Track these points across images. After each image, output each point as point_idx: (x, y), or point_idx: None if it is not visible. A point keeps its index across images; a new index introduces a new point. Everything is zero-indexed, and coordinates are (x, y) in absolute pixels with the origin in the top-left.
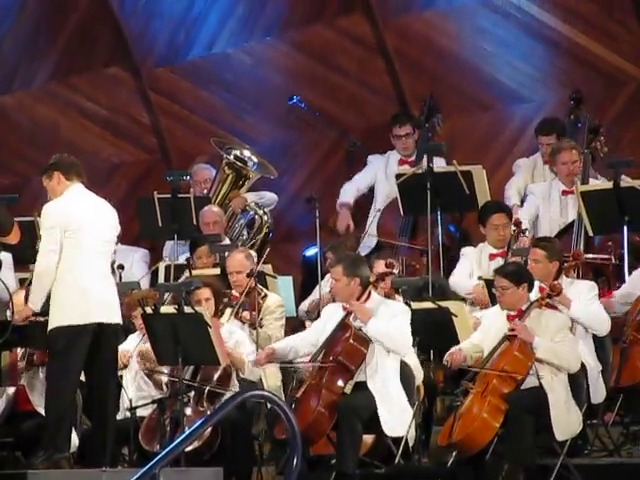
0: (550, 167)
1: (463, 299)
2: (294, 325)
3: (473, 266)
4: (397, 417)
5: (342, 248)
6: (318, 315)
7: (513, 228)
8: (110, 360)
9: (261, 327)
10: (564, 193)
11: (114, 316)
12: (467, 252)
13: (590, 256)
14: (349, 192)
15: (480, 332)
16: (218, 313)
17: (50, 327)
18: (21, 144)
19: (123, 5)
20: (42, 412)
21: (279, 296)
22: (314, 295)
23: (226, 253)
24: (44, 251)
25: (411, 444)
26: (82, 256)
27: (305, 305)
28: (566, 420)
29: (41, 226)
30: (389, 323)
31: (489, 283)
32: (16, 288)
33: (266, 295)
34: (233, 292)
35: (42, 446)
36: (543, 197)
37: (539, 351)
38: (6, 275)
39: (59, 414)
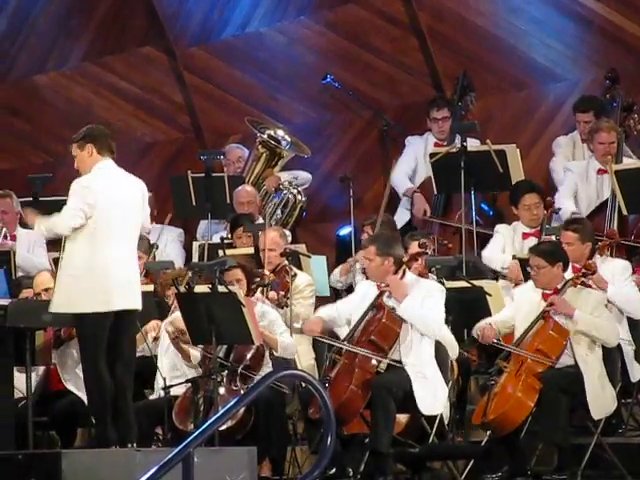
0: (587, 145)
1: (496, 277)
2: (327, 303)
3: (506, 243)
4: (432, 395)
5: (382, 225)
6: (350, 289)
7: (544, 211)
8: (129, 346)
9: (287, 306)
10: (600, 172)
11: (134, 302)
12: (501, 229)
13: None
14: (402, 178)
15: (511, 308)
16: (250, 292)
17: (76, 311)
18: (55, 124)
19: None
20: (72, 389)
21: (310, 276)
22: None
23: (260, 232)
24: (69, 210)
25: (446, 423)
26: (107, 239)
27: (337, 273)
28: (601, 398)
29: (70, 192)
30: (423, 304)
31: (523, 262)
32: (49, 267)
33: (295, 274)
34: (264, 271)
35: (95, 438)
36: (580, 175)
37: (579, 323)
38: (38, 253)
39: (102, 402)
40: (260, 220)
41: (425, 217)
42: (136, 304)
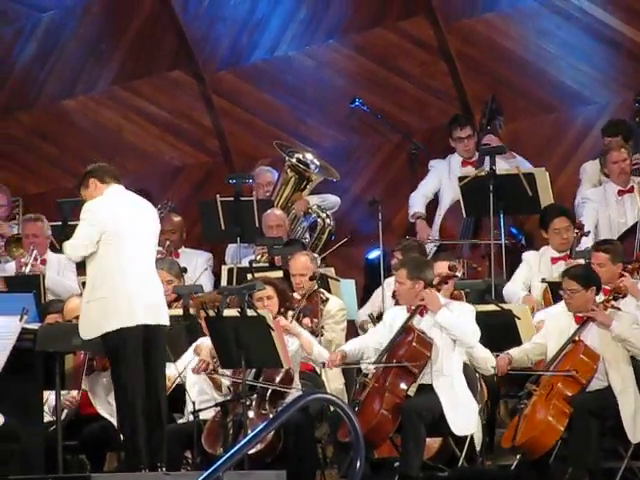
0: (601, 170)
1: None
2: (357, 328)
3: (532, 272)
4: (464, 416)
5: (411, 249)
6: (379, 317)
7: (576, 231)
8: (160, 362)
9: (322, 335)
10: (620, 193)
11: (160, 318)
12: (528, 257)
13: None
14: (418, 201)
15: (541, 334)
16: (280, 314)
17: (102, 332)
18: (84, 148)
19: (186, 9)
20: (103, 413)
21: (340, 300)
22: (373, 302)
23: (289, 256)
24: (79, 239)
25: (477, 447)
26: (123, 258)
27: (362, 315)
28: (637, 421)
29: (80, 219)
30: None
31: (553, 285)
32: (79, 291)
33: (327, 299)
34: (295, 295)
35: (126, 460)
36: (599, 201)
37: (617, 331)
38: (68, 277)
39: (134, 424)
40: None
41: (428, 241)
42: (162, 320)
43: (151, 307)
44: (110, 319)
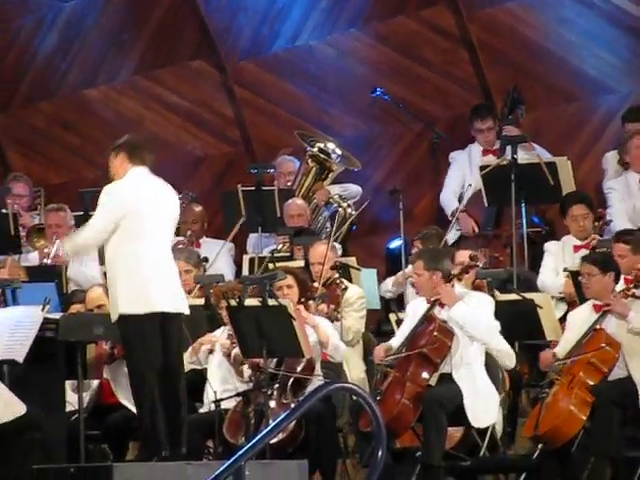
0: (619, 161)
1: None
2: (378, 317)
3: (557, 260)
4: (483, 408)
5: (430, 239)
6: (400, 298)
7: (595, 222)
8: (177, 350)
9: (338, 320)
10: None
11: (178, 305)
12: (550, 248)
13: None
14: (451, 198)
15: (567, 331)
16: (301, 303)
17: (117, 314)
18: (106, 138)
19: None
20: (125, 402)
21: (361, 288)
22: (397, 277)
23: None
24: (94, 228)
25: (498, 436)
26: (141, 244)
27: (387, 283)
28: None
29: (99, 203)
30: (473, 311)
31: (575, 275)
32: (101, 281)
33: (346, 287)
34: (314, 284)
35: (145, 446)
36: (621, 192)
37: (634, 323)
38: (90, 266)
39: (151, 408)
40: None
41: (474, 234)
42: (180, 308)
43: (169, 294)
44: (126, 301)
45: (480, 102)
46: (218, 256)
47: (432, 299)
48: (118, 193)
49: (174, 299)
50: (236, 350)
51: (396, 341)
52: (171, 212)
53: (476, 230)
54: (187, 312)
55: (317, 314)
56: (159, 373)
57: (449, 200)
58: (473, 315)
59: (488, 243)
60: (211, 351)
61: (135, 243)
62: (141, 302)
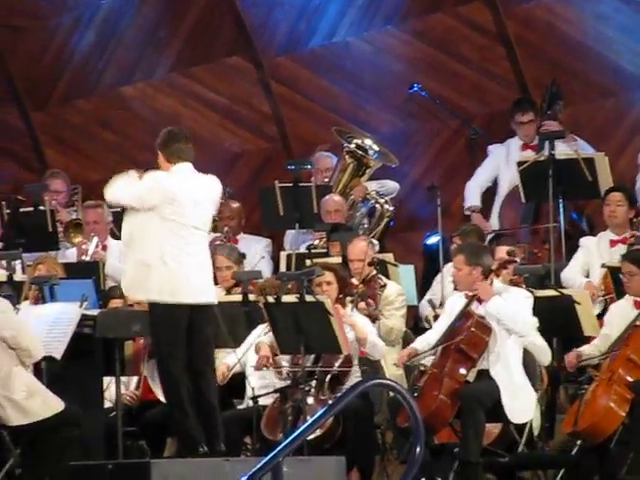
0: None
1: None
2: (415, 314)
3: (592, 257)
4: (521, 403)
5: (470, 234)
6: (441, 305)
7: (633, 219)
8: (206, 343)
9: (378, 319)
10: None
11: (207, 297)
12: (585, 243)
13: None
14: (473, 193)
15: (605, 327)
16: (340, 300)
17: (148, 297)
18: (143, 135)
19: None
20: (164, 401)
21: (399, 285)
22: (433, 289)
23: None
24: (130, 190)
25: (536, 432)
26: (179, 233)
27: (424, 307)
28: None
29: (142, 180)
30: (510, 305)
31: (613, 270)
32: None
33: (385, 285)
34: (353, 280)
35: (182, 444)
36: None
37: None
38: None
39: (179, 400)
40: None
41: (507, 230)
42: (209, 298)
43: (200, 285)
44: (157, 288)
45: (518, 97)
46: (255, 253)
47: (470, 294)
48: (160, 179)
49: (204, 290)
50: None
51: (424, 340)
52: (212, 202)
53: (489, 230)
54: (215, 302)
55: (358, 312)
56: (188, 365)
57: (471, 194)
58: (509, 308)
59: (527, 239)
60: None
61: (172, 234)
62: (170, 292)
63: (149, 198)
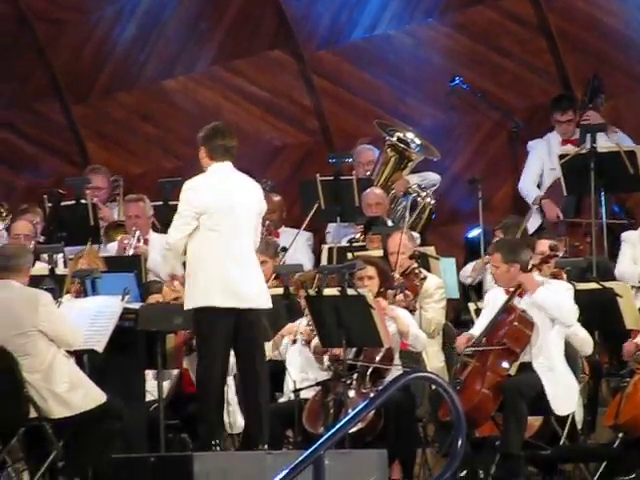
0: None
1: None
2: (458, 306)
3: (635, 250)
4: (564, 395)
5: (511, 228)
6: (480, 285)
7: None
8: (253, 344)
9: (416, 310)
10: None
11: (253, 301)
12: (627, 237)
13: None
14: (531, 187)
15: None
16: (381, 293)
17: (188, 307)
18: (184, 128)
19: None
20: None
21: (440, 278)
22: (465, 269)
23: (387, 235)
24: (174, 228)
25: (578, 426)
26: (218, 240)
27: (467, 269)
28: None
29: (179, 199)
30: (554, 295)
31: None
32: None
33: (425, 277)
34: (393, 274)
35: (198, 434)
36: None
37: None
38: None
39: (208, 401)
40: (390, 223)
41: (559, 220)
42: (257, 303)
43: (244, 291)
44: (196, 295)
45: (561, 93)
46: (297, 246)
47: (511, 289)
48: (195, 189)
49: (250, 295)
50: (316, 340)
51: (476, 331)
52: (251, 207)
53: (561, 217)
54: (266, 307)
55: (395, 304)
56: (237, 364)
57: (529, 188)
58: (555, 298)
59: (568, 232)
60: (294, 341)
61: (213, 239)
62: (213, 297)
63: (192, 213)
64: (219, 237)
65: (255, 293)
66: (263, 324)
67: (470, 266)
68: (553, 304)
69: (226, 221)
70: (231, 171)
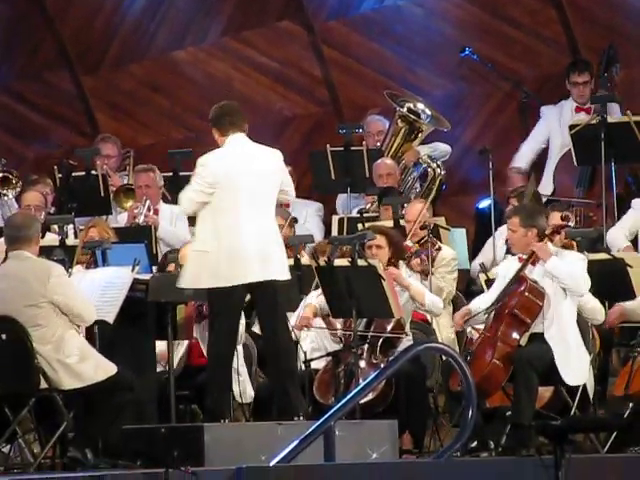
0: None
1: None
2: (468, 277)
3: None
4: (576, 366)
5: (526, 196)
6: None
7: None
8: (275, 315)
9: (429, 274)
10: None
11: (269, 273)
12: (637, 205)
13: None
14: (525, 155)
15: None
16: (393, 263)
17: (201, 287)
18: (194, 99)
19: None
20: None
21: (452, 249)
22: (484, 252)
23: (399, 205)
24: (186, 196)
25: (590, 396)
26: (233, 212)
27: (475, 265)
28: None
29: (194, 173)
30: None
31: None
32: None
33: (440, 247)
34: (407, 243)
35: (208, 408)
36: None
37: None
38: (180, 227)
39: (215, 377)
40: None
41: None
42: (271, 274)
43: (260, 263)
44: (210, 275)
45: (569, 60)
46: (307, 217)
47: (525, 257)
48: (208, 165)
49: (265, 267)
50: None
51: (478, 302)
52: (268, 179)
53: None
54: (283, 278)
55: (410, 273)
56: (266, 344)
57: (521, 155)
58: (567, 267)
59: (581, 202)
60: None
61: (228, 214)
62: (225, 277)
63: (204, 187)
64: (233, 208)
65: (274, 264)
66: (286, 294)
67: (476, 264)
68: (565, 273)
69: (238, 195)
70: (246, 141)
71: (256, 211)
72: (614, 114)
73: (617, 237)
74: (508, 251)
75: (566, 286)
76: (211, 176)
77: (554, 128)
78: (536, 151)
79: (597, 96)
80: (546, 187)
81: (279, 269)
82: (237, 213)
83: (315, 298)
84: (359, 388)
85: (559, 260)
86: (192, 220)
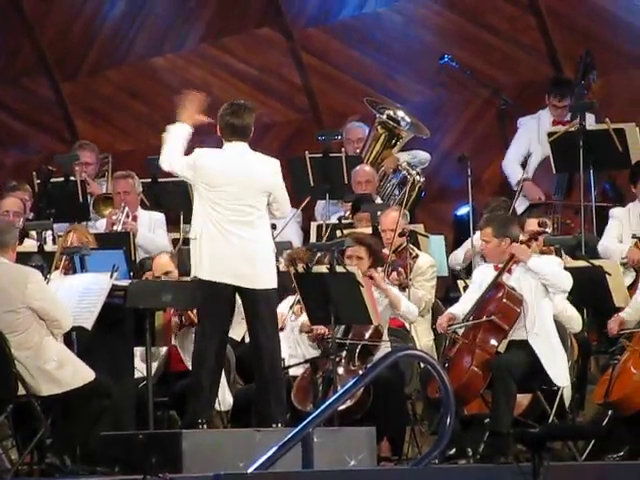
0: None
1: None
2: (447, 284)
3: (623, 227)
4: (562, 367)
5: (499, 210)
6: (469, 268)
7: None
8: (260, 324)
9: (408, 287)
10: None
11: (254, 282)
12: (615, 213)
13: None
14: (514, 167)
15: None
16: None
17: (192, 276)
18: (173, 106)
19: None
20: None
21: (430, 256)
22: (465, 247)
23: (377, 212)
24: (172, 158)
25: (566, 403)
26: (219, 211)
27: (459, 257)
28: None
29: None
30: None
31: None
32: (170, 248)
33: (417, 255)
34: (384, 251)
35: (186, 409)
36: None
37: None
38: (159, 234)
39: (198, 376)
40: (378, 200)
41: (541, 202)
42: (253, 283)
43: (241, 270)
44: (196, 264)
45: (559, 76)
46: (286, 223)
47: (501, 265)
48: (200, 157)
49: (250, 275)
50: (303, 317)
51: (460, 307)
52: (255, 186)
53: (542, 198)
54: (266, 287)
55: (388, 282)
56: (251, 350)
57: (512, 168)
58: (549, 265)
59: (559, 210)
60: (281, 329)
61: (213, 216)
62: (205, 268)
63: (190, 166)
64: (222, 213)
65: (256, 273)
66: (273, 301)
67: (461, 253)
68: (547, 270)
69: (227, 198)
70: (245, 152)
71: (242, 217)
72: (589, 120)
73: (609, 246)
74: (485, 260)
75: (549, 282)
76: (198, 167)
77: (533, 139)
78: (520, 162)
79: (576, 105)
80: (521, 199)
81: (265, 278)
82: (222, 212)
83: (284, 305)
84: (337, 395)
85: (539, 258)
86: (170, 227)
